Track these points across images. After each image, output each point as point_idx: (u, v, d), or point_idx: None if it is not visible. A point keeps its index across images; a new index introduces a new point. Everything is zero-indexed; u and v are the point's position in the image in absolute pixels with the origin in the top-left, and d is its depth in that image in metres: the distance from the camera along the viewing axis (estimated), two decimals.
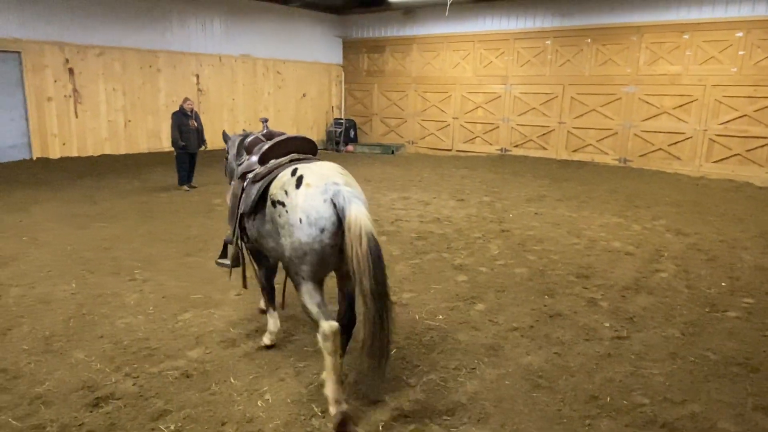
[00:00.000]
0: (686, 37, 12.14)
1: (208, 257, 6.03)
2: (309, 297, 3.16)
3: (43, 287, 5.09)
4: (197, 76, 14.41)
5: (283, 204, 3.20)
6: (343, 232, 3.01)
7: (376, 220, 7.83)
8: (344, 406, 3.06)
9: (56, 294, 4.95)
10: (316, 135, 18.09)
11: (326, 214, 3.06)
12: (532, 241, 6.98)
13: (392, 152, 16.46)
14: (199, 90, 14.48)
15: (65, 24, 11.90)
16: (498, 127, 15.32)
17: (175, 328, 4.31)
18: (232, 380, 3.56)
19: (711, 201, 9.73)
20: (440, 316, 4.64)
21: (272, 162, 3.62)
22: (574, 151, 14.10)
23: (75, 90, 12.23)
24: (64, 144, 12.21)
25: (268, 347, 3.97)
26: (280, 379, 3.59)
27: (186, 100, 10.00)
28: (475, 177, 11.94)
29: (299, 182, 3.19)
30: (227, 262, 4.09)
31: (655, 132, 12.84)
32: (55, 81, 11.92)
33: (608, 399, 3.45)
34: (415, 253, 6.40)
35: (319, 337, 3.06)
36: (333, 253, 3.12)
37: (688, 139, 12.41)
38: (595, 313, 4.78)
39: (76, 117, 12.34)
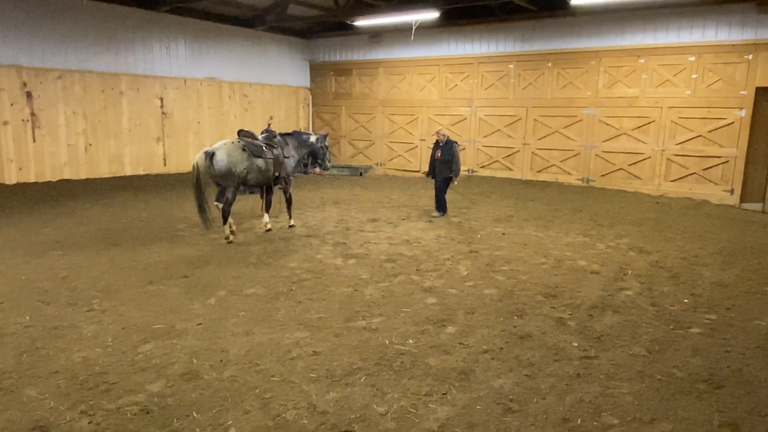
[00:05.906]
0: (642, 61, 12.60)
1: (171, 284, 5.86)
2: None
3: None
4: (161, 99, 14.20)
5: None
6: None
7: (344, 243, 7.78)
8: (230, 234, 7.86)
9: (8, 327, 4.70)
10: None
11: (197, 158, 7.44)
12: (500, 262, 7.02)
13: (360, 174, 16.47)
14: (163, 113, 14.26)
15: (23, 47, 11.60)
16: (464, 148, 15.51)
17: (135, 361, 4.13)
18: (195, 415, 3.42)
19: (671, 219, 10.00)
20: (410, 340, 4.58)
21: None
22: (539, 171, 14.37)
23: (33, 114, 11.88)
24: (20, 169, 11.80)
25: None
26: (246, 412, 3.46)
27: (438, 131, 9.90)
28: None
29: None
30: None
31: (616, 152, 13.20)
32: (12, 104, 11.55)
33: (579, 421, 3.44)
34: (384, 276, 6.35)
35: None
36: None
37: (647, 159, 12.80)
38: (564, 333, 4.80)
39: (34, 141, 11.96)
